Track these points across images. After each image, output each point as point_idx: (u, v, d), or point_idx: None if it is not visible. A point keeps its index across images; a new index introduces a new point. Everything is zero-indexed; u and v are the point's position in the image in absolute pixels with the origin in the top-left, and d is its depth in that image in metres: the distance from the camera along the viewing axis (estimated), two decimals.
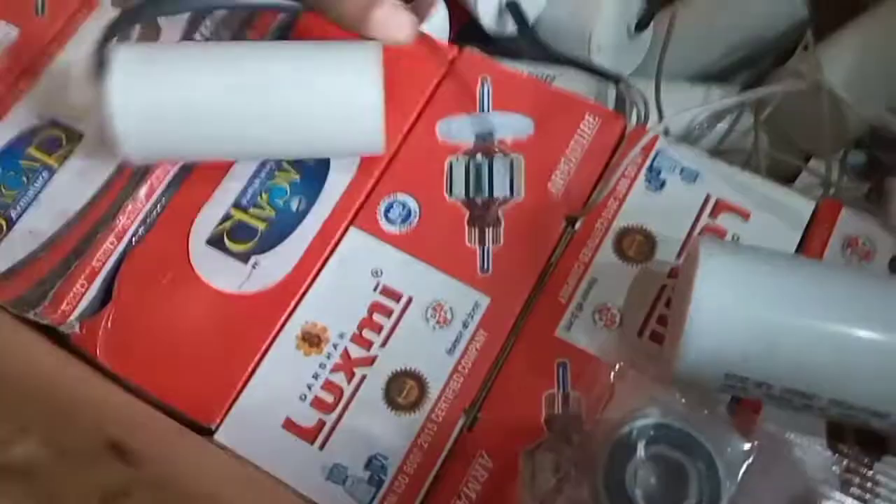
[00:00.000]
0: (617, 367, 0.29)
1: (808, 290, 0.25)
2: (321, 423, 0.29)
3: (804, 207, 0.31)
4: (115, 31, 0.31)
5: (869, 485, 0.26)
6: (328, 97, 0.30)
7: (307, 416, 0.30)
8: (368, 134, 0.31)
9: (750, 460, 0.26)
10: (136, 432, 0.18)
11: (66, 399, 0.17)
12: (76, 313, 0.31)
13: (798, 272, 0.26)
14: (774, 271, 0.26)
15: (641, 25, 0.45)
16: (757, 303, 0.25)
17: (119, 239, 0.32)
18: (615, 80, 0.38)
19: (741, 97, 0.34)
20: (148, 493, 0.11)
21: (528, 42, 0.43)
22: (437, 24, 0.42)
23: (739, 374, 0.25)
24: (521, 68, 0.40)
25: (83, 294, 0.32)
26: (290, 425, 0.29)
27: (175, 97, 0.30)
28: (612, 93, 0.39)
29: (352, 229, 0.32)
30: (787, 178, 0.41)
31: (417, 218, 0.32)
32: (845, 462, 0.27)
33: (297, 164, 0.34)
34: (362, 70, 0.31)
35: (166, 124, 0.30)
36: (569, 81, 0.39)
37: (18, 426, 0.11)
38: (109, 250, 0.32)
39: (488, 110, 0.34)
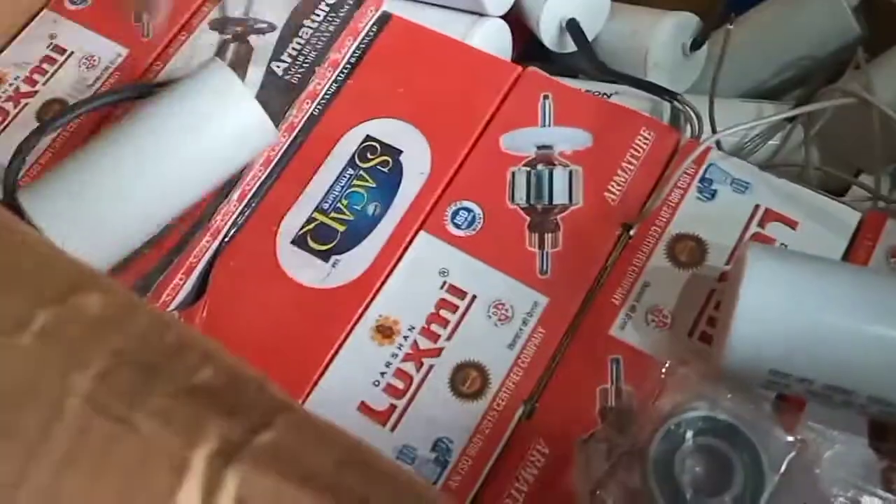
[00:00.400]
0: (668, 364, 0.31)
1: (850, 292, 0.27)
2: (392, 408, 0.32)
3: (850, 218, 0.33)
4: (27, 147, 0.35)
5: None
6: (202, 123, 0.34)
7: (380, 401, 0.32)
8: (258, 130, 0.34)
9: (793, 454, 0.28)
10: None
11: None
12: (175, 304, 0.35)
13: (841, 275, 0.28)
14: (818, 274, 0.28)
15: (696, 45, 0.47)
16: (800, 302, 0.27)
17: (214, 237, 0.36)
18: (670, 96, 0.40)
19: (790, 112, 0.36)
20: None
21: (586, 59, 0.46)
22: (501, 44, 0.45)
23: (782, 371, 0.27)
24: (580, 86, 0.42)
25: (181, 286, 0.35)
26: (364, 408, 0.32)
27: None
28: (666, 109, 0.41)
29: (422, 233, 0.35)
30: (837, 192, 0.42)
31: (481, 223, 0.35)
32: (887, 460, 0.28)
33: (373, 173, 0.37)
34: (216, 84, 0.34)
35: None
36: (625, 98, 0.41)
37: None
38: (205, 248, 0.36)
39: (549, 124, 0.37)
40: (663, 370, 0.31)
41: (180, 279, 0.35)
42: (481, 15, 0.45)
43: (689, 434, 0.29)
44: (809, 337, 0.26)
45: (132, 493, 0.11)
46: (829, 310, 0.26)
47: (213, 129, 0.34)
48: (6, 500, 0.12)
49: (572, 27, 0.46)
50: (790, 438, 0.28)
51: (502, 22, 0.46)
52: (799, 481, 0.28)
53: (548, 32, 0.46)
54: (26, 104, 0.40)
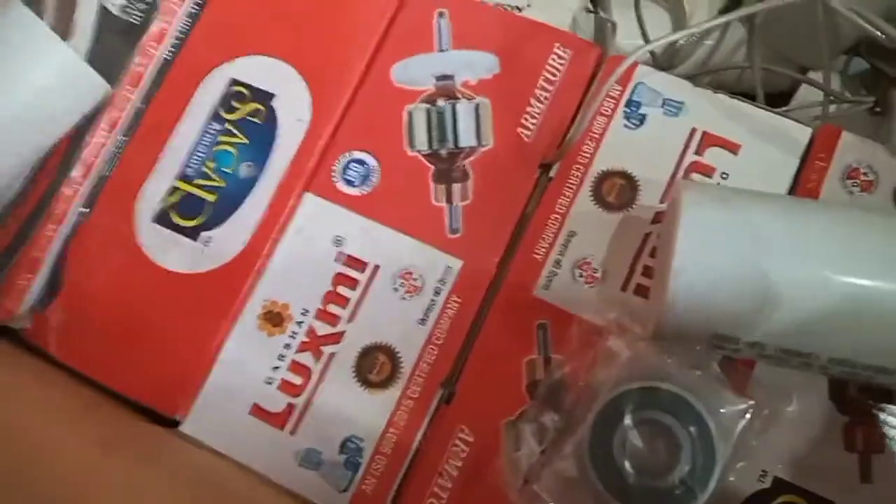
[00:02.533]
0: (601, 326, 0.27)
1: (803, 238, 0.23)
2: (290, 407, 0.28)
3: (800, 135, 0.28)
4: None
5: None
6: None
7: (275, 401, 0.28)
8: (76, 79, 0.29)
9: (746, 419, 0.25)
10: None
11: None
12: (23, 308, 0.29)
13: (791, 217, 0.23)
14: (764, 219, 0.23)
15: None
16: (746, 257, 0.23)
17: (58, 225, 0.30)
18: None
19: (738, 13, 0.30)
20: None
21: None
22: None
23: (729, 335, 0.23)
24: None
25: (28, 287, 0.30)
26: (258, 411, 0.28)
27: None
28: (584, 18, 0.35)
29: (307, 194, 0.30)
30: (781, 93, 0.38)
31: (377, 177, 0.30)
32: (848, 416, 0.25)
33: (243, 125, 0.31)
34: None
35: None
36: (536, 11, 0.35)
37: None
38: (50, 238, 0.30)
39: (448, 48, 0.31)
40: (596, 335, 0.27)
41: (25, 279, 0.29)
42: None
43: (629, 408, 0.25)
44: (757, 294, 0.22)
45: None
46: (780, 261, 0.22)
47: (17, 86, 0.27)
48: None
49: None
50: (741, 405, 0.25)
51: None
52: (753, 448, 0.25)
53: None
54: None
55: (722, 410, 0.25)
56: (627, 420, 0.25)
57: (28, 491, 0.18)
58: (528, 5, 0.37)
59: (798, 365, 0.23)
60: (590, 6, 0.38)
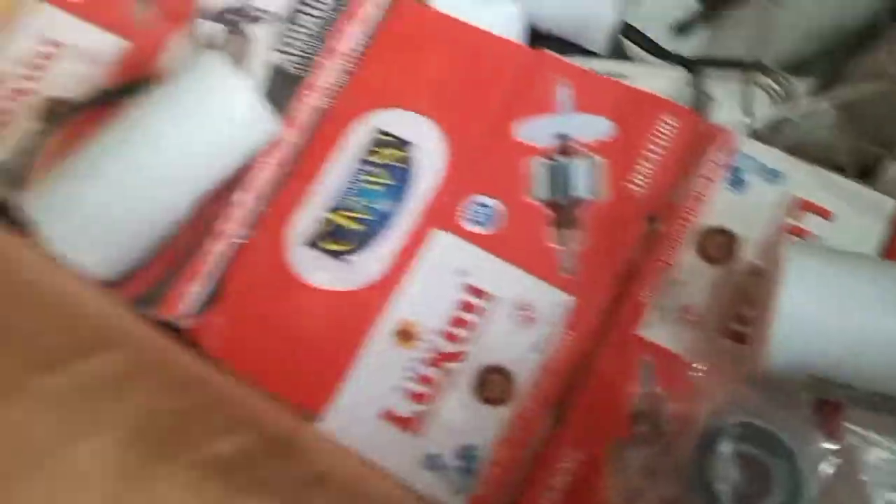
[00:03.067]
0: (700, 366, 0.30)
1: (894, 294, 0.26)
2: (417, 414, 0.31)
3: (887, 207, 0.32)
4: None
5: None
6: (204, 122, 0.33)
7: (404, 407, 0.32)
8: (256, 117, 0.33)
9: (833, 460, 0.27)
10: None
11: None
12: (188, 309, 0.34)
13: (885, 274, 0.26)
14: (861, 273, 0.26)
15: (683, 28, 0.45)
16: (842, 306, 0.26)
17: (223, 242, 0.35)
18: (696, 71, 0.39)
19: (832, 96, 0.34)
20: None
21: (652, 52, 0.45)
22: (513, 30, 0.43)
23: (824, 376, 0.26)
24: (594, 66, 0.40)
25: (193, 293, 0.34)
26: (388, 415, 0.32)
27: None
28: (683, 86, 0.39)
29: (438, 230, 0.34)
30: (868, 170, 0.41)
31: (500, 218, 0.34)
32: None
33: (386, 167, 0.35)
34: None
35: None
36: (639, 81, 0.39)
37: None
38: (214, 253, 0.35)
39: (568, 112, 0.35)
40: (696, 373, 0.30)
41: (190, 286, 0.34)
42: None
43: (727, 441, 0.28)
44: (853, 342, 0.25)
45: None
46: (875, 312, 0.25)
47: (209, 120, 0.32)
48: None
49: (630, 31, 0.44)
50: (831, 445, 0.27)
51: (513, 6, 0.43)
52: (840, 489, 0.28)
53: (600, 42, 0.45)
54: (24, 102, 0.38)
55: (811, 450, 0.28)
56: (724, 451, 0.28)
57: None
58: (633, 74, 0.41)
59: (886, 409, 0.26)
60: (690, 80, 0.42)
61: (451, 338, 0.32)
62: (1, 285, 0.13)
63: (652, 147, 0.34)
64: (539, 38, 0.45)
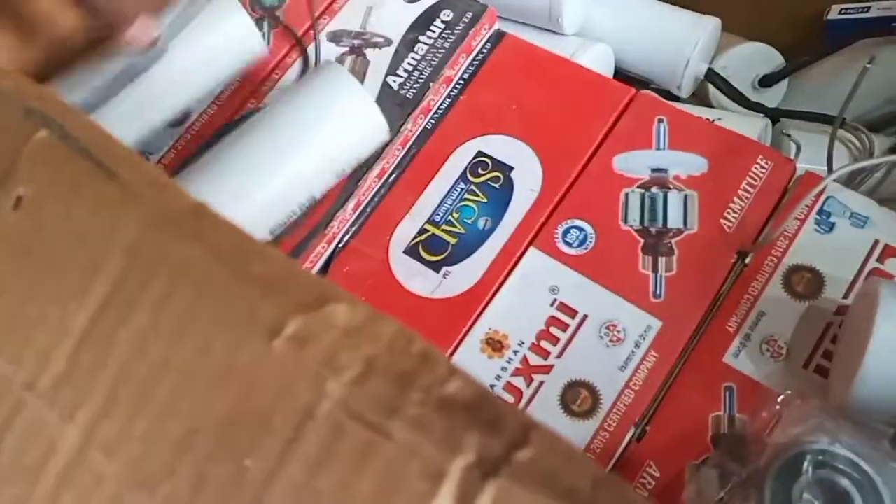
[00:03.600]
0: (784, 394, 0.31)
1: None
2: None
3: None
4: None
5: None
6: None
7: None
8: (371, 122, 0.36)
9: None
10: None
11: None
12: None
13: None
14: None
15: (768, 81, 0.47)
16: None
17: (329, 244, 0.37)
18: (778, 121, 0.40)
19: None
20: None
21: (733, 98, 0.47)
22: (606, 68, 0.45)
23: None
24: (688, 109, 0.42)
25: None
26: None
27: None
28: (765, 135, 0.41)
29: (532, 249, 0.36)
30: None
31: (593, 242, 0.36)
32: None
33: (484, 188, 0.37)
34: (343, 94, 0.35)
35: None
36: (727, 125, 0.41)
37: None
38: (320, 253, 0.37)
39: (664, 148, 0.37)
40: (779, 400, 0.31)
41: None
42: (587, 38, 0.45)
43: (809, 467, 0.28)
44: None
45: (387, 495, 0.12)
46: None
47: (330, 121, 0.35)
48: (260, 493, 0.12)
49: (712, 76, 0.47)
50: None
51: (608, 47, 0.46)
52: None
53: (686, 87, 0.48)
54: None
55: (892, 480, 0.28)
56: (807, 476, 0.28)
57: None
58: (720, 119, 0.43)
59: None
60: (772, 129, 0.44)
61: (540, 351, 0.34)
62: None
63: (745, 186, 0.36)
64: (622, 78, 0.48)
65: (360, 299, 0.15)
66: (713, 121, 0.44)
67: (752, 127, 0.45)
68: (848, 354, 0.30)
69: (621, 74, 0.49)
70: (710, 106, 0.50)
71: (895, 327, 0.27)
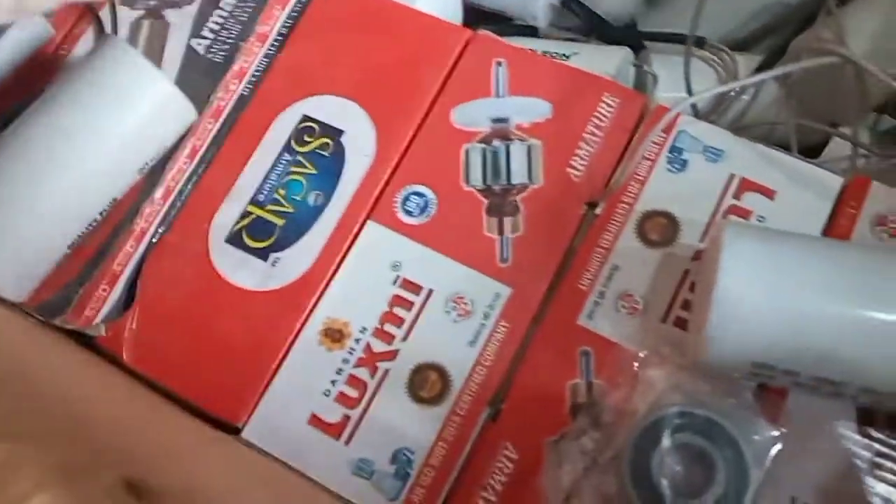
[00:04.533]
0: (641, 355, 0.29)
1: (837, 276, 0.24)
2: (346, 419, 0.30)
3: (832, 184, 0.30)
4: None
5: None
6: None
7: (332, 412, 0.30)
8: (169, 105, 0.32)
9: (777, 447, 0.26)
10: (155, 458, 0.19)
11: (83, 426, 0.17)
12: (100, 317, 0.32)
13: (826, 256, 0.25)
14: (801, 256, 0.25)
15: None
16: (784, 290, 0.24)
17: (138, 241, 0.33)
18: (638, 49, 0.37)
19: (774, 72, 0.33)
20: None
21: (596, 27, 0.43)
22: (449, 6, 0.41)
23: (767, 363, 0.25)
24: (535, 47, 0.39)
25: (106, 297, 0.32)
26: (315, 421, 0.30)
27: None
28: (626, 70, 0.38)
29: (369, 223, 0.32)
30: (812, 147, 0.40)
31: (435, 208, 0.32)
32: (876, 446, 0.26)
33: (313, 158, 0.33)
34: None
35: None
36: (585, 59, 0.38)
37: (35, 481, 0.11)
38: (129, 253, 0.32)
39: (504, 94, 0.33)
40: (636, 362, 0.29)
41: (104, 290, 0.32)
42: None
43: (667, 432, 0.26)
44: (795, 327, 0.24)
45: None
46: (816, 295, 0.24)
47: (119, 111, 0.30)
48: None
49: (568, 2, 0.43)
50: (774, 432, 0.26)
51: None
52: (784, 474, 0.26)
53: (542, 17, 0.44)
54: None
55: (755, 437, 0.26)
56: (665, 442, 0.26)
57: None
58: (576, 53, 0.40)
59: (829, 393, 0.25)
60: (633, 59, 0.41)
61: (383, 336, 0.31)
62: None
63: (592, 129, 0.32)
64: (480, 15, 0.44)
65: None
66: (567, 57, 0.40)
67: (613, 61, 0.42)
68: (699, 305, 0.28)
69: (476, 11, 0.45)
70: (573, 39, 0.46)
71: (739, 274, 0.25)
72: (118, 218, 0.32)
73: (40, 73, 0.35)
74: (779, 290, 0.24)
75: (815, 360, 0.24)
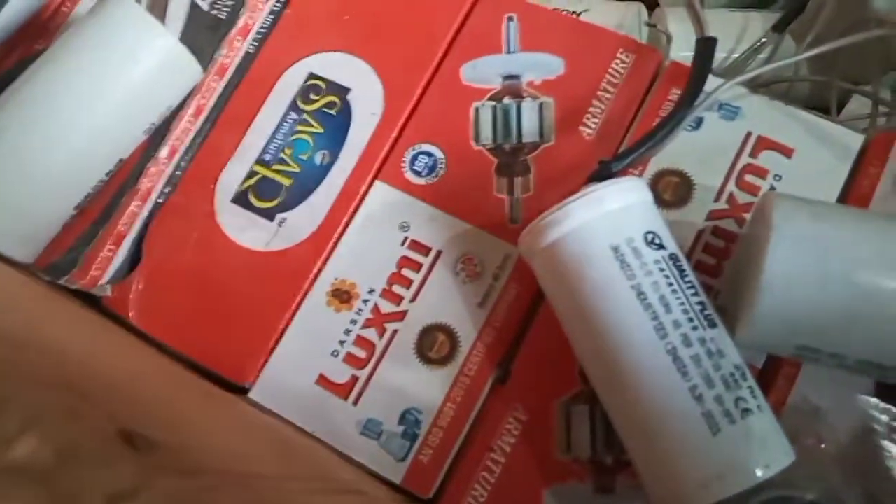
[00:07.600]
0: None
1: (888, 258, 0.23)
2: (354, 379, 0.29)
3: (852, 142, 0.29)
4: None
5: None
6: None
7: (340, 372, 0.29)
8: (175, 63, 0.31)
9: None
10: (153, 412, 0.18)
11: (78, 376, 0.16)
12: (106, 277, 0.32)
13: (880, 235, 0.24)
14: (855, 237, 0.23)
15: None
16: (836, 275, 0.23)
17: (143, 201, 0.32)
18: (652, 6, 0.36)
19: (794, 30, 0.31)
20: (161, 484, 0.11)
21: None
22: None
23: (812, 346, 0.24)
24: (549, 2, 0.38)
25: (112, 258, 0.32)
26: (323, 381, 0.29)
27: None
28: (640, 24, 0.37)
29: (377, 182, 0.32)
30: (829, 107, 0.38)
31: (443, 168, 0.31)
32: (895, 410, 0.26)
33: (319, 116, 0.33)
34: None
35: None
36: (598, 15, 0.37)
37: (22, 420, 0.11)
38: (135, 213, 0.32)
39: (515, 50, 0.33)
40: None
41: (109, 250, 0.32)
42: None
43: None
44: (844, 311, 0.23)
45: None
46: (870, 278, 0.23)
47: (125, 69, 0.29)
48: None
49: None
50: None
51: None
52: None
53: None
54: None
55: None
56: None
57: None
58: (587, 10, 0.39)
59: (876, 376, 0.24)
60: (646, 17, 0.40)
61: (392, 297, 0.30)
62: None
63: (605, 86, 0.32)
64: None
65: None
66: (579, 13, 0.39)
67: (626, 17, 0.41)
68: (739, 282, 0.26)
69: None
70: None
71: (791, 258, 0.23)
72: (123, 177, 0.32)
73: (43, 32, 0.34)
74: (830, 275, 0.23)
75: (863, 345, 0.23)
